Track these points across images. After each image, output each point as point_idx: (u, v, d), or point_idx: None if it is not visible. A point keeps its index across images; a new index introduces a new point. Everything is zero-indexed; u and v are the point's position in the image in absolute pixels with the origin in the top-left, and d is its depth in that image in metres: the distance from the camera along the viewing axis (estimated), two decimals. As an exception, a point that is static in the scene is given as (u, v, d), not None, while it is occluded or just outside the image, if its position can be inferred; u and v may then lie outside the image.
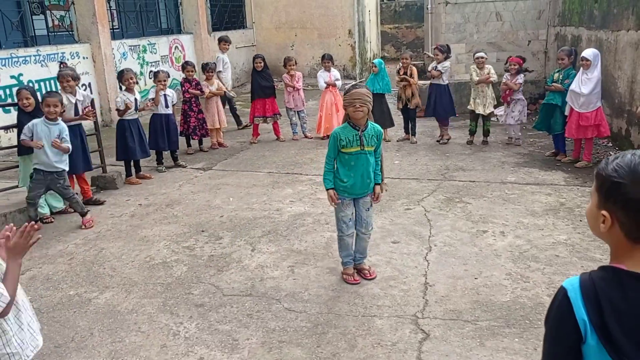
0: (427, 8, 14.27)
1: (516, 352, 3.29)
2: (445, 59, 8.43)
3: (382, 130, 4.22)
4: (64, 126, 5.51)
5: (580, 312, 1.34)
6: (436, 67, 8.40)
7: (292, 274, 4.45)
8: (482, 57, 8.15)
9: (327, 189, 4.24)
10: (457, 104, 10.58)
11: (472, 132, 8.48)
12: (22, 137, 5.45)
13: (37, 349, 2.38)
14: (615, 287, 1.32)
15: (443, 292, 4.04)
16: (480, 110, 8.16)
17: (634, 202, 1.32)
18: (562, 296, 1.38)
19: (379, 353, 3.34)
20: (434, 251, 4.75)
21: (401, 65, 8.75)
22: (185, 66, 8.57)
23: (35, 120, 5.41)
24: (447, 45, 8.79)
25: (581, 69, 6.77)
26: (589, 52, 6.76)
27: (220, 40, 10.40)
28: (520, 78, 7.96)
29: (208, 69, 8.75)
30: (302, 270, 4.50)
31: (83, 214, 5.68)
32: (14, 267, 2.18)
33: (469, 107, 8.43)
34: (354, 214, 4.24)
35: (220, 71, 9.73)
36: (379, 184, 4.27)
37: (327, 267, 4.53)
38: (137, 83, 7.44)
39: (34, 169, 5.48)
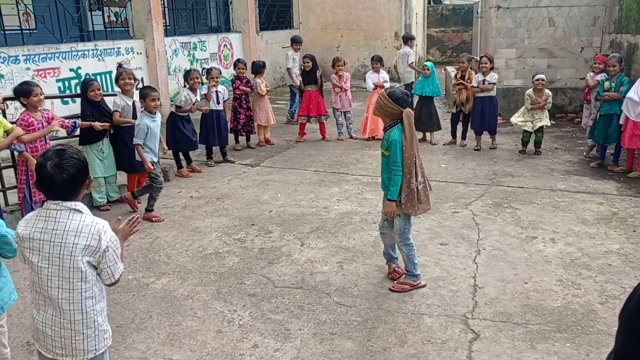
0: (477, 12, 14.14)
1: (568, 357, 3.29)
2: (491, 69, 8.35)
3: (395, 139, 3.91)
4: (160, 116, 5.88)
5: None
6: (484, 80, 8.24)
7: (341, 269, 4.53)
8: (542, 80, 7.91)
9: None
10: (505, 110, 10.50)
11: (525, 143, 8.32)
12: (139, 141, 5.62)
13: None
14: None
15: (493, 295, 4.05)
16: (528, 127, 8.01)
17: None
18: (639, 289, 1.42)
19: (430, 350, 3.39)
20: (482, 254, 4.76)
21: (459, 68, 8.72)
22: (237, 64, 8.76)
23: (145, 121, 5.64)
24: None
25: None
26: None
27: (408, 38, 11.45)
28: (599, 76, 7.59)
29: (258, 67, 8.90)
30: (351, 267, 4.57)
31: (150, 209, 5.82)
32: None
33: (519, 124, 8.23)
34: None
35: (412, 62, 10.95)
36: (389, 199, 4.02)
37: (375, 265, 4.60)
38: (201, 83, 7.65)
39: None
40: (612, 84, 7.13)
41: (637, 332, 1.43)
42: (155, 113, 5.72)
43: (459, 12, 22.97)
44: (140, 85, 10.10)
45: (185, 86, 7.45)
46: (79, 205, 2.31)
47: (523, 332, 3.56)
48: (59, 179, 2.22)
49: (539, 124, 7.94)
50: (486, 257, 4.69)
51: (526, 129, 8.04)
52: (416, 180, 3.98)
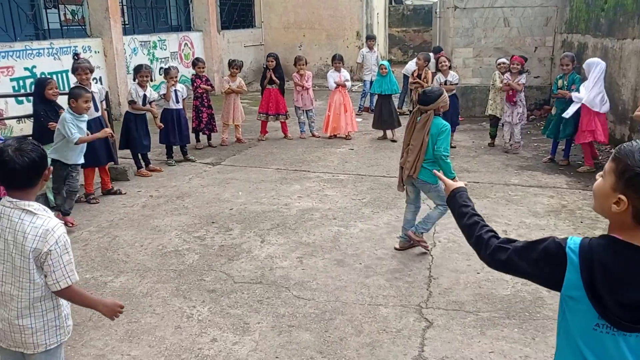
0: (436, 12, 14.42)
1: (515, 341, 3.44)
2: (450, 67, 8.56)
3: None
4: (86, 118, 5.64)
5: (573, 260, 1.54)
6: (445, 80, 8.42)
7: (301, 264, 4.60)
8: (504, 63, 8.29)
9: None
10: (464, 108, 10.75)
11: (493, 136, 8.60)
12: (77, 136, 5.37)
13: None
14: (610, 252, 1.50)
15: (446, 285, 4.19)
16: (500, 114, 8.29)
17: None
18: (563, 244, 1.57)
19: (384, 338, 3.49)
20: (438, 247, 4.90)
21: (415, 67, 8.90)
22: (197, 63, 8.72)
23: (67, 117, 5.38)
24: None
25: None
26: (587, 62, 7.09)
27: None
28: (523, 78, 7.98)
29: (234, 65, 8.89)
30: (310, 261, 4.65)
31: (66, 213, 5.56)
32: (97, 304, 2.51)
33: (488, 112, 8.54)
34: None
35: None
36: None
37: (334, 259, 4.68)
38: (151, 79, 7.61)
39: (54, 160, 5.40)
40: (565, 82, 7.40)
41: (537, 259, 1.61)
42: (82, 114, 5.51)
43: (419, 12, 23.32)
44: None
45: (134, 80, 7.39)
46: (32, 205, 2.27)
47: (474, 319, 3.70)
48: (21, 161, 2.20)
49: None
50: (441, 250, 4.84)
51: (494, 113, 8.29)
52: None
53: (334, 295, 4.06)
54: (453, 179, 4.41)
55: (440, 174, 2.38)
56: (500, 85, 8.18)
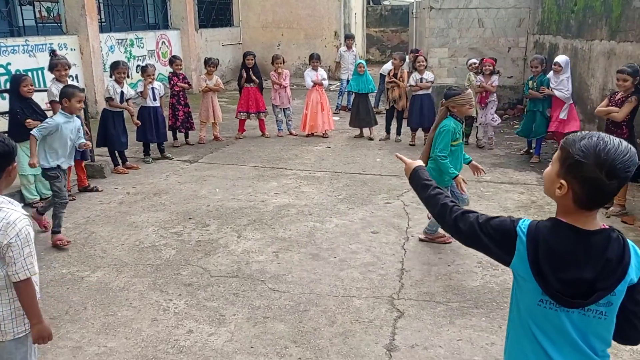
0: (412, 12, 14.60)
1: (483, 329, 3.57)
2: (426, 67, 8.72)
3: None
4: (79, 121, 5.39)
5: (522, 239, 1.68)
6: (421, 78, 8.57)
7: (277, 258, 4.68)
8: (475, 63, 8.58)
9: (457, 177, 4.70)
10: (437, 107, 10.93)
11: (467, 135, 8.78)
12: (36, 133, 4.98)
13: None
14: (554, 233, 1.65)
15: (418, 277, 4.31)
16: (475, 113, 8.49)
17: (592, 180, 1.58)
18: (516, 223, 1.72)
19: (357, 328, 3.59)
20: (411, 241, 5.02)
21: (392, 66, 9.04)
22: (174, 60, 8.74)
23: (60, 120, 5.05)
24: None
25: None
26: (564, 59, 7.38)
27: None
28: (495, 80, 8.25)
29: (210, 63, 8.92)
30: (286, 256, 4.73)
31: (42, 213, 5.25)
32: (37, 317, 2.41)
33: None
34: None
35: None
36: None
37: (309, 253, 4.77)
38: (128, 77, 7.61)
39: (56, 167, 5.06)
40: (534, 84, 7.62)
41: (493, 230, 1.76)
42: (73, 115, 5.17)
43: (397, 13, 23.53)
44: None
45: (111, 77, 7.38)
46: None
47: (444, 309, 3.82)
48: None
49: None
50: (414, 244, 4.96)
51: (474, 114, 8.49)
52: None
53: (308, 288, 4.15)
54: (455, 177, 4.58)
55: (401, 155, 2.45)
56: (476, 84, 8.36)
